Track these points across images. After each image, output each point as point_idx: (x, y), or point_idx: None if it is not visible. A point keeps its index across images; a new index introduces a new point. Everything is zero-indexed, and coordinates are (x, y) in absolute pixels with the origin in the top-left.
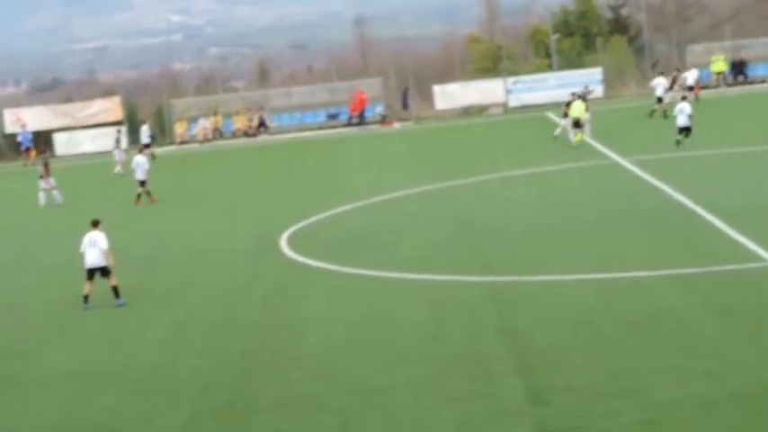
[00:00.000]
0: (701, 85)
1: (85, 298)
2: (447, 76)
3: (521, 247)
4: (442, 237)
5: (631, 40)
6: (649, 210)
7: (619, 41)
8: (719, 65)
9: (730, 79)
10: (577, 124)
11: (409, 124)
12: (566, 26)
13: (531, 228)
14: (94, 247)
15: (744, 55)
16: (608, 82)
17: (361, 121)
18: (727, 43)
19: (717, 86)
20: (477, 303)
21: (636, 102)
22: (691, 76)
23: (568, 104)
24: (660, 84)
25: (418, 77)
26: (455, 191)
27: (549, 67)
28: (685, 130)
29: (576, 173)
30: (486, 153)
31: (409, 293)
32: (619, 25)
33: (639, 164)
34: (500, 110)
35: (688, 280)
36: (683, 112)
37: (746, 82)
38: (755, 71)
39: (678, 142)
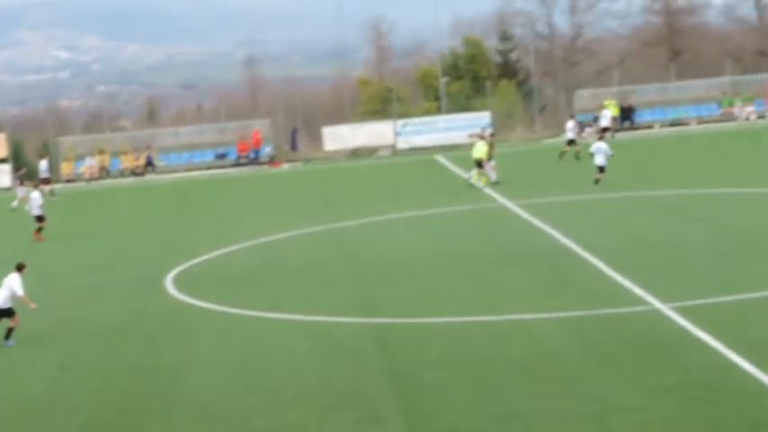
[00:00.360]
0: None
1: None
2: (336, 117)
3: (407, 288)
4: (328, 278)
5: (520, 85)
6: (535, 252)
7: (507, 85)
8: (612, 110)
9: (617, 124)
10: (479, 165)
11: (298, 165)
12: (455, 69)
13: (418, 269)
14: (4, 289)
15: (631, 101)
16: (496, 126)
17: (257, 160)
18: (615, 89)
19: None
20: (363, 345)
21: (523, 146)
22: (604, 118)
23: (490, 146)
24: (571, 127)
25: (307, 118)
26: (342, 232)
27: (439, 110)
28: (602, 169)
29: (464, 215)
30: (375, 195)
31: (295, 334)
32: (508, 69)
33: (527, 207)
34: (389, 152)
35: (573, 323)
36: (599, 151)
37: (633, 128)
38: (642, 117)
39: (597, 181)
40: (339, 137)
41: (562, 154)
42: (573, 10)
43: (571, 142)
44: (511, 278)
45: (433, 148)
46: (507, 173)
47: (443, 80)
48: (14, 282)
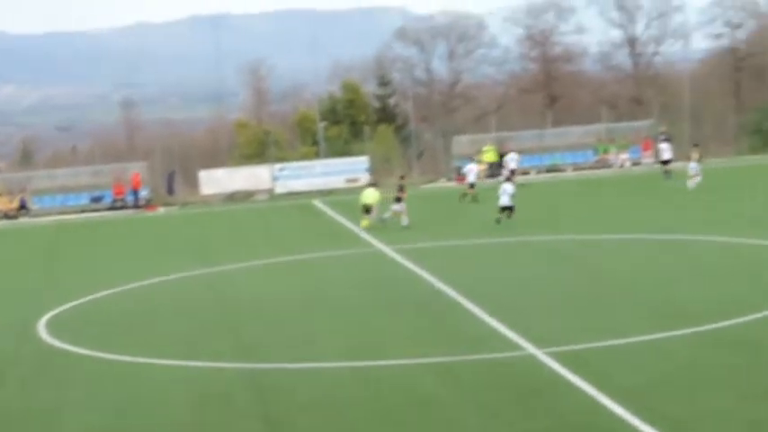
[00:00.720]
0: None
1: None
2: (214, 160)
3: (282, 333)
4: (203, 322)
5: (398, 130)
6: (411, 297)
7: (386, 131)
8: (491, 155)
9: (495, 171)
10: (368, 210)
11: (174, 209)
12: (333, 114)
13: (294, 314)
14: None
15: (508, 147)
16: (374, 170)
17: (136, 202)
18: (493, 135)
19: (485, 177)
20: (238, 390)
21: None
22: (512, 161)
23: (401, 188)
24: (472, 170)
25: (184, 161)
26: (219, 277)
27: (316, 155)
28: (507, 209)
29: (341, 260)
30: (251, 239)
31: (169, 380)
32: (386, 114)
33: (403, 252)
34: (266, 196)
35: (447, 368)
36: (505, 192)
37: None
38: (520, 163)
39: (498, 220)
40: (216, 180)
41: (463, 196)
42: (451, 56)
43: (471, 186)
44: (386, 323)
45: (311, 192)
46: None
47: (321, 124)
48: None
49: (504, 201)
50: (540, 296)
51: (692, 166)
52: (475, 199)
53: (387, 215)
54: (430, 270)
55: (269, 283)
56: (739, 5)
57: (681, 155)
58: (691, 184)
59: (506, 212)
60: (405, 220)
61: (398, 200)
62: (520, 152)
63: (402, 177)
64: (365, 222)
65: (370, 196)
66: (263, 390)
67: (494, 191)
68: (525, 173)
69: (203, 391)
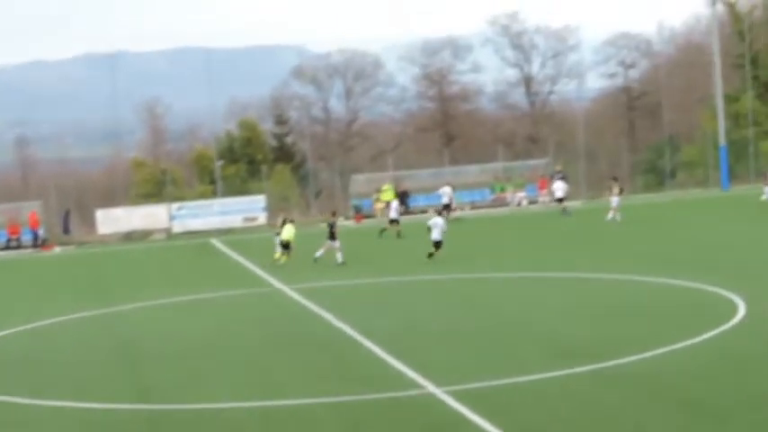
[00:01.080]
0: (362, 215)
1: None
2: (110, 199)
3: (180, 373)
4: (100, 363)
5: (296, 168)
6: (310, 336)
7: (283, 169)
8: (388, 194)
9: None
10: (287, 246)
11: (70, 249)
12: (231, 152)
13: (192, 354)
14: None
15: (406, 186)
16: (272, 209)
17: (35, 241)
18: (390, 173)
19: (381, 216)
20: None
21: (299, 229)
22: (445, 195)
23: (331, 226)
24: (394, 207)
25: (81, 201)
26: (115, 317)
27: (214, 194)
28: (437, 244)
29: (239, 299)
30: (149, 279)
31: (64, 422)
32: (283, 153)
33: (302, 291)
34: (164, 235)
35: (346, 407)
36: (436, 226)
37: (408, 212)
38: (417, 201)
39: (431, 255)
40: (113, 220)
41: (382, 231)
42: (348, 95)
43: (393, 221)
44: (284, 363)
45: (209, 231)
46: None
47: (219, 163)
48: None
49: (436, 235)
50: (439, 334)
51: (615, 200)
52: (399, 234)
53: (319, 253)
54: (329, 309)
55: (167, 322)
56: (633, 45)
57: (577, 193)
58: (617, 216)
59: (436, 246)
60: (339, 257)
61: (333, 236)
62: (417, 191)
63: (333, 214)
64: (283, 258)
65: (289, 232)
66: (160, 431)
67: (394, 229)
68: (423, 211)
69: None
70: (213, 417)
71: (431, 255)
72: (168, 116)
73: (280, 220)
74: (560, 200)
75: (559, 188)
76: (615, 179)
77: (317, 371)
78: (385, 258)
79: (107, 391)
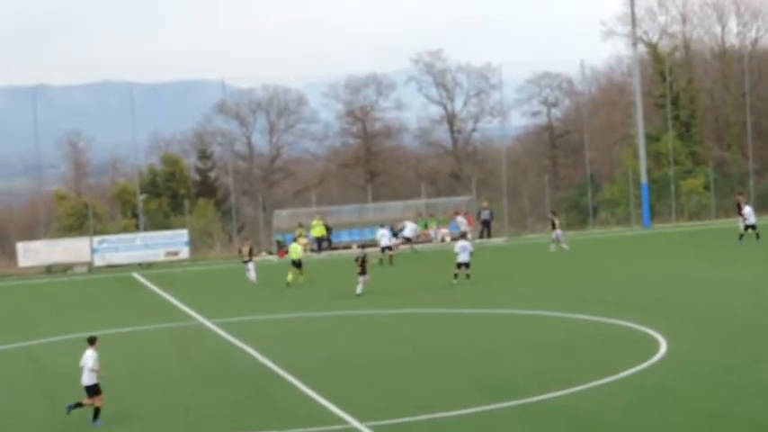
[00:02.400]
0: (285, 250)
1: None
2: (32, 232)
3: (103, 408)
4: (19, 396)
5: (219, 203)
6: (233, 371)
7: (206, 204)
8: (318, 230)
9: (323, 245)
10: (299, 265)
11: None
12: (153, 186)
13: (113, 389)
14: (84, 367)
15: (328, 221)
16: (194, 243)
17: None
18: (313, 209)
19: (306, 251)
20: None
21: (222, 264)
22: (409, 229)
23: (363, 260)
24: (384, 234)
25: (1, 233)
26: (34, 351)
27: (136, 227)
28: (464, 265)
29: (161, 333)
30: (70, 312)
31: None
32: (206, 187)
33: (224, 326)
34: (85, 269)
35: None
36: (464, 250)
37: (331, 248)
38: (340, 237)
39: (456, 276)
40: (34, 252)
41: (380, 261)
42: (272, 130)
43: (385, 249)
44: (207, 397)
45: (131, 265)
46: (206, 291)
47: (141, 197)
48: (89, 356)
49: (464, 258)
50: (363, 370)
51: (558, 233)
52: (390, 261)
53: (359, 290)
54: (251, 344)
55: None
56: (555, 84)
57: (500, 230)
58: (563, 245)
59: (463, 269)
60: (359, 289)
61: (363, 271)
62: (340, 227)
63: (363, 246)
64: (300, 277)
65: (296, 251)
66: None
67: (321, 265)
68: (347, 247)
69: None
70: None
71: (456, 276)
72: (91, 150)
73: (246, 249)
74: (463, 235)
75: (462, 223)
76: (554, 213)
77: (240, 406)
78: (308, 293)
79: (27, 425)
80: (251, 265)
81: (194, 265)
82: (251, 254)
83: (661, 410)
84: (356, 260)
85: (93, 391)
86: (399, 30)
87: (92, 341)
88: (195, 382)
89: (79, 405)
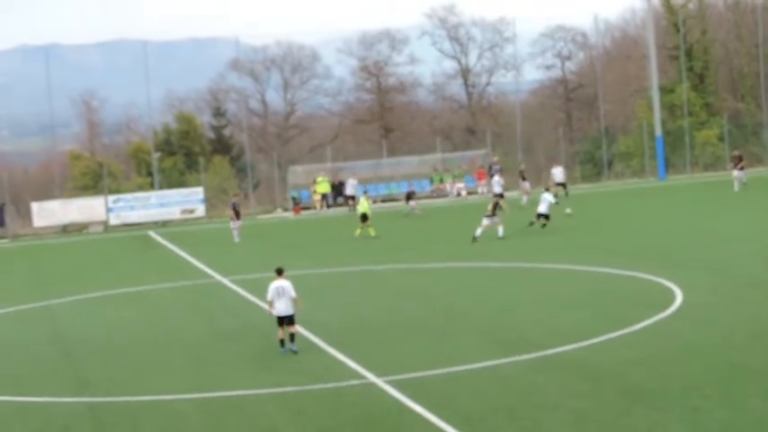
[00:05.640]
0: (300, 206)
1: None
2: (46, 192)
3: (119, 366)
4: (39, 357)
5: (234, 160)
6: (250, 328)
7: (221, 161)
8: (324, 186)
9: (331, 201)
10: (365, 219)
11: (6, 242)
12: (168, 145)
13: (131, 347)
14: (283, 296)
15: (344, 177)
16: (210, 201)
17: None
18: (328, 165)
19: (320, 207)
20: (76, 425)
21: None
22: (350, 186)
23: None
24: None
25: (16, 194)
26: (53, 310)
27: (151, 186)
28: (544, 216)
29: (178, 292)
30: (86, 272)
31: (4, 416)
32: (221, 145)
33: (241, 283)
34: (100, 228)
35: (288, 398)
36: (544, 201)
37: (347, 203)
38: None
39: (531, 223)
40: (49, 213)
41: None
42: (286, 87)
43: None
44: (225, 354)
45: (146, 224)
46: (222, 248)
47: (156, 156)
48: (288, 286)
49: (543, 209)
50: (380, 325)
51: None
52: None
53: (501, 233)
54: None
55: (106, 315)
56: (569, 38)
57: (515, 184)
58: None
59: (542, 220)
60: (500, 231)
61: (494, 213)
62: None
63: (501, 196)
64: (371, 230)
65: (364, 206)
66: (103, 425)
67: (332, 221)
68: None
69: (41, 427)
70: (156, 408)
71: (531, 224)
72: (104, 109)
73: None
74: (500, 195)
75: (497, 183)
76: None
77: (258, 362)
78: (325, 249)
79: (47, 385)
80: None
81: (210, 222)
82: (236, 212)
83: (677, 361)
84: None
85: (293, 320)
86: None
87: (280, 272)
88: (214, 340)
89: (292, 337)
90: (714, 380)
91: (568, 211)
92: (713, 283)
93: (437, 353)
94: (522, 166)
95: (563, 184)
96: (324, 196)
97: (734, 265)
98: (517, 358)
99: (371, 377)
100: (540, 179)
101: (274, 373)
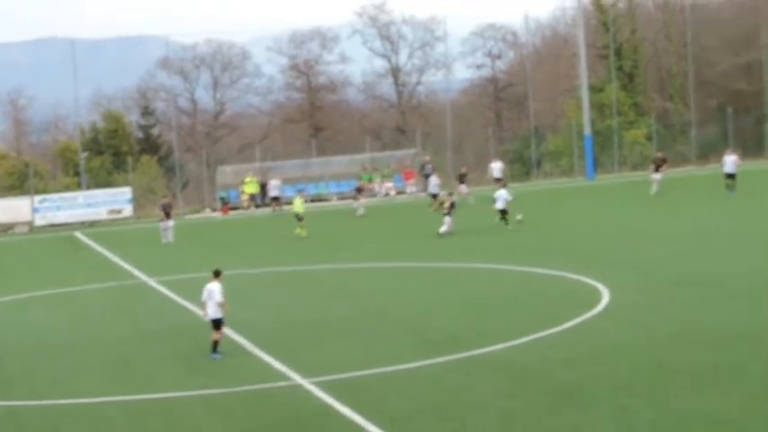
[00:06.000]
0: (229, 206)
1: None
2: None
3: (43, 368)
4: None
5: (162, 160)
6: (178, 329)
7: (149, 161)
8: (252, 186)
9: (259, 201)
10: (300, 219)
11: None
12: (96, 144)
13: (55, 348)
14: (210, 299)
15: (271, 177)
16: (138, 201)
17: None
18: (257, 164)
19: (248, 207)
20: None
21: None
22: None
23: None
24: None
25: None
26: None
27: (79, 186)
28: (502, 212)
29: (104, 293)
30: (11, 273)
31: None
32: (150, 144)
33: (167, 283)
34: (26, 229)
35: (215, 400)
36: (500, 198)
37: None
38: (285, 192)
39: (503, 219)
40: None
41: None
42: (216, 85)
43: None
44: (150, 356)
45: (73, 224)
46: (148, 249)
47: (83, 155)
48: (216, 290)
49: (500, 205)
50: (306, 326)
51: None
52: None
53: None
54: (195, 301)
55: (31, 316)
56: (499, 36)
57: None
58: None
59: (502, 215)
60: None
61: (448, 212)
62: (285, 182)
63: (450, 194)
64: (303, 231)
65: (299, 205)
66: (24, 428)
67: (261, 221)
68: (290, 202)
69: None
70: (79, 412)
71: (503, 219)
72: (32, 108)
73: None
74: (434, 195)
75: (433, 183)
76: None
77: (184, 364)
78: (255, 249)
79: None
80: (168, 224)
81: (138, 222)
82: (167, 213)
83: (603, 360)
84: (442, 204)
85: (219, 323)
86: None
87: (217, 274)
88: (141, 342)
89: (214, 345)
90: (640, 379)
91: (519, 217)
92: (639, 283)
93: (366, 354)
94: (464, 170)
95: (500, 179)
96: (252, 196)
97: (659, 265)
98: (446, 358)
99: (299, 379)
100: (473, 179)
101: (200, 374)
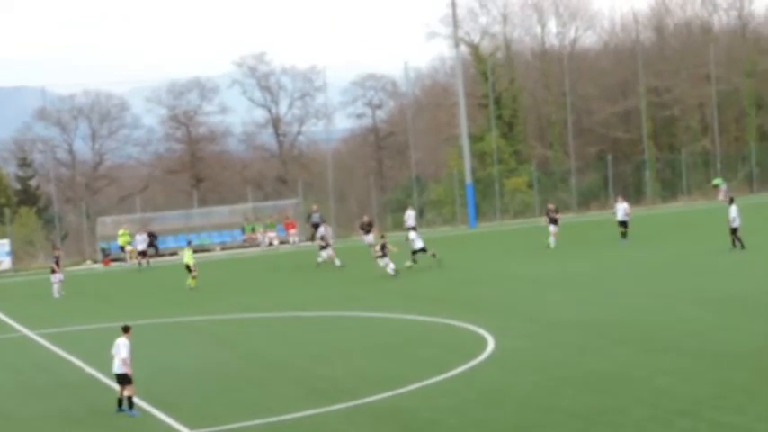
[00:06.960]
0: (110, 258)
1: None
2: None
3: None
4: None
5: (41, 212)
6: (59, 383)
7: (28, 213)
8: (125, 239)
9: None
10: (189, 269)
11: None
12: None
13: None
14: (116, 354)
15: (153, 228)
16: (16, 254)
17: None
18: (138, 216)
19: (133, 258)
20: None
21: (46, 274)
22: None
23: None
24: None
25: None
26: None
27: None
28: (422, 250)
29: None
30: None
31: None
32: (28, 196)
33: (49, 336)
34: None
35: None
36: (416, 238)
37: (158, 254)
38: (166, 243)
39: (433, 255)
40: None
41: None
42: (94, 136)
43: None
44: (38, 412)
45: None
46: (29, 302)
47: None
48: (122, 344)
49: (418, 244)
50: (193, 377)
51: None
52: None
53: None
54: (77, 354)
55: None
56: (379, 86)
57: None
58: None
59: (418, 254)
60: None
61: (384, 254)
62: (166, 233)
63: (383, 236)
64: (190, 281)
65: (188, 257)
66: None
67: (147, 272)
68: (174, 253)
69: None
70: None
71: (433, 255)
72: None
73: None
74: (323, 247)
75: (323, 234)
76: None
77: (68, 418)
78: (137, 300)
79: None
80: (56, 277)
81: (17, 275)
82: (57, 264)
83: (491, 406)
84: (375, 246)
85: (125, 379)
86: (222, 33)
87: (126, 329)
88: (20, 395)
89: (129, 402)
90: (528, 423)
91: (408, 264)
92: (525, 328)
93: (253, 403)
94: (367, 219)
95: (414, 228)
96: (122, 249)
97: (545, 310)
98: (332, 407)
99: (184, 430)
100: (353, 228)
101: (85, 429)
